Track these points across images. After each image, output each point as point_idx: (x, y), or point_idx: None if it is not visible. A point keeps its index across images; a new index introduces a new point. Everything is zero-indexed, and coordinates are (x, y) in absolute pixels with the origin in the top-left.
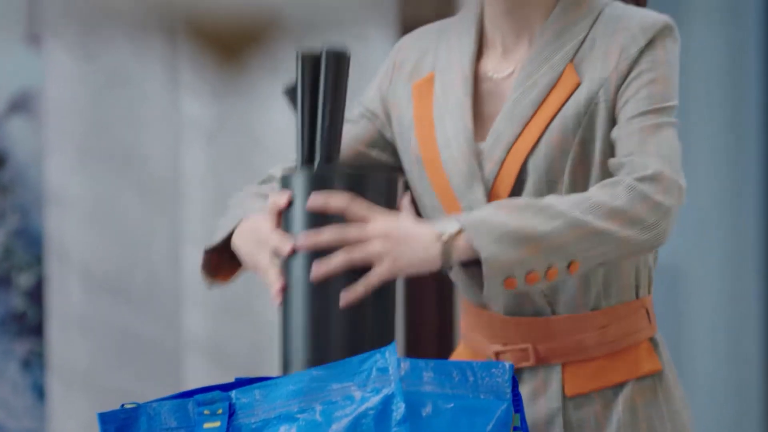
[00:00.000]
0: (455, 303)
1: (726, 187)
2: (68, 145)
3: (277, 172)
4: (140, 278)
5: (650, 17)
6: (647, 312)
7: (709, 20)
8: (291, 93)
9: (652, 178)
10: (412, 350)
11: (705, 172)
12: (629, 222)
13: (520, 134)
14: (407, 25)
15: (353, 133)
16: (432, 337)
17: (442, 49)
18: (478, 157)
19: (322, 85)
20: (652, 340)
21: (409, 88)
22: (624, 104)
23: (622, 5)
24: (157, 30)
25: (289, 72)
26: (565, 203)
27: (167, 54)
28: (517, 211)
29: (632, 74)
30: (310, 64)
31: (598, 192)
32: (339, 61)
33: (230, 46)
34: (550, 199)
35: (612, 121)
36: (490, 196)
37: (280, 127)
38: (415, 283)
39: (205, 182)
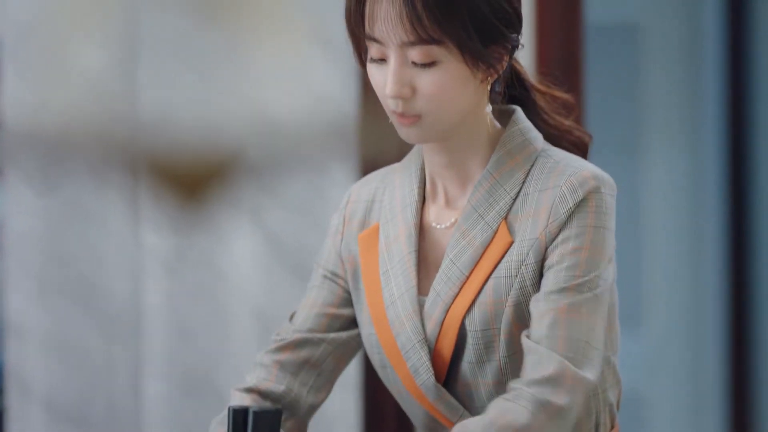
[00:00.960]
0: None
1: (685, 311)
2: (29, 276)
3: (252, 379)
4: (101, 409)
5: (581, 174)
6: None
7: (670, 145)
8: None
9: (554, 381)
10: None
11: (666, 295)
12: None
13: (457, 295)
14: (368, 157)
15: (321, 298)
16: None
17: (386, 200)
18: (421, 314)
19: None
20: None
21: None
22: (547, 270)
23: (555, 154)
24: (118, 164)
25: (250, 206)
26: None
27: (128, 188)
28: None
29: (560, 237)
30: (241, 419)
31: (500, 410)
32: (265, 423)
33: (191, 182)
34: None
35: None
36: (434, 355)
37: (241, 261)
38: (375, 411)
39: (165, 314)
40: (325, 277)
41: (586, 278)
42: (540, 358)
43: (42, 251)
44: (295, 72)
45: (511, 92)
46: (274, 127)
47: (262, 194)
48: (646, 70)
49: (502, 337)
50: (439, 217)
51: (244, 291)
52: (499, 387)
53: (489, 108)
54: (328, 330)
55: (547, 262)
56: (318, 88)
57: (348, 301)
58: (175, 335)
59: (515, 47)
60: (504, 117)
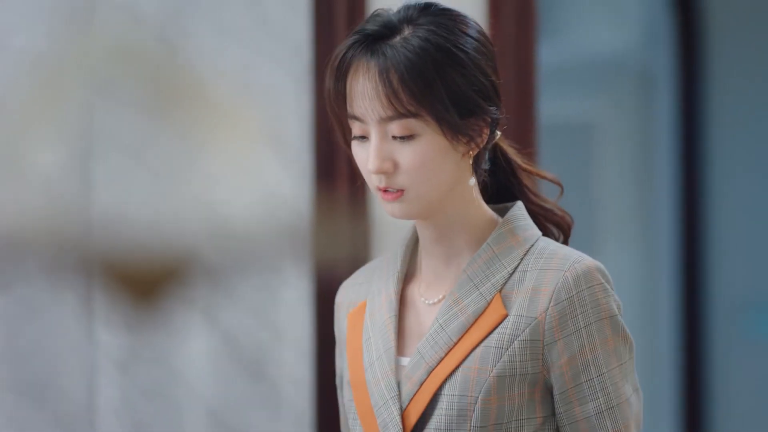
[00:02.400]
0: None
1: None
2: None
3: None
4: None
5: (584, 263)
6: None
7: (624, 240)
8: None
9: None
10: None
11: None
12: None
13: (442, 358)
14: (321, 257)
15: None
16: None
17: (374, 280)
18: (398, 374)
19: None
20: None
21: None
22: (573, 367)
23: (555, 243)
24: (72, 263)
25: (204, 305)
26: None
27: (82, 286)
28: None
29: (571, 334)
30: None
31: None
32: None
33: (145, 281)
34: None
35: (533, 363)
36: (404, 414)
37: (195, 360)
38: None
39: (119, 413)
40: (340, 378)
41: (625, 368)
42: None
43: None
44: (249, 171)
45: (497, 171)
46: (227, 226)
47: (216, 293)
48: (599, 168)
49: (478, 406)
50: (426, 292)
51: (198, 390)
52: None
53: (473, 181)
54: None
55: (566, 357)
56: (271, 188)
57: None
58: None
59: (495, 120)
60: (504, 211)
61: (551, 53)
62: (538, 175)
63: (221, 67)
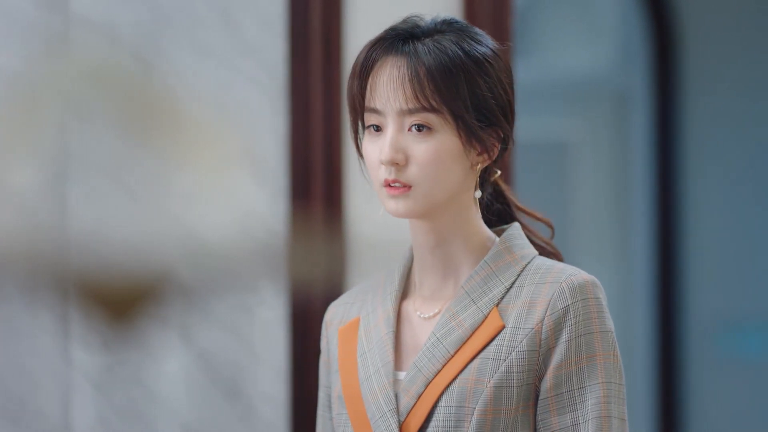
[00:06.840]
0: None
1: None
2: None
3: None
4: None
5: (580, 276)
6: None
7: (600, 258)
8: None
9: None
10: None
11: None
12: None
13: (439, 371)
14: (297, 276)
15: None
16: None
17: (368, 298)
18: (395, 387)
19: None
20: None
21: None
22: (561, 381)
23: (549, 260)
24: (48, 282)
25: (180, 324)
26: None
27: (57, 305)
28: None
29: (569, 341)
30: None
31: None
32: None
33: (121, 300)
34: None
35: (530, 374)
36: (402, 427)
37: (171, 378)
38: None
39: None
40: (327, 397)
41: (612, 390)
42: None
43: None
44: (224, 190)
45: (495, 205)
46: (203, 245)
47: (192, 312)
48: (575, 186)
49: (475, 416)
50: (422, 307)
51: (173, 408)
52: None
53: (478, 194)
54: None
55: (553, 365)
56: (247, 207)
57: None
58: None
59: (507, 138)
60: (501, 233)
61: (527, 72)
62: (532, 215)
63: (197, 86)
